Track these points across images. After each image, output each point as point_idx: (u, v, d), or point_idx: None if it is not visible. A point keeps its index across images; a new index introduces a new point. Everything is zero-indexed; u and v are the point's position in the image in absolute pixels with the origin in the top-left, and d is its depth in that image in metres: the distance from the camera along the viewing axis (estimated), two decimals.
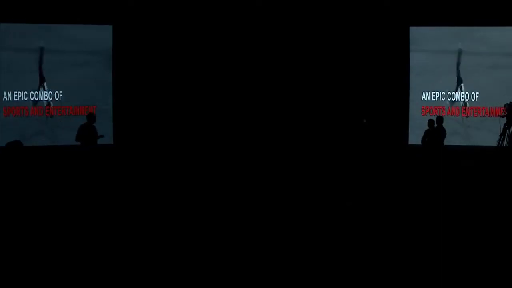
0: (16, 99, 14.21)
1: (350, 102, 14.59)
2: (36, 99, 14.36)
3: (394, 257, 6.87)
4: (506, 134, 13.32)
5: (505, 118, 13.45)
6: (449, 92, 15.02)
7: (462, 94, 14.97)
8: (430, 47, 15.08)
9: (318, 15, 14.74)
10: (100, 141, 12.70)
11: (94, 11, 14.33)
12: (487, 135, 14.37)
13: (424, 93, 15.09)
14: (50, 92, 14.43)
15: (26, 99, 14.28)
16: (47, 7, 14.10)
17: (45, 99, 14.39)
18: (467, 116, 14.95)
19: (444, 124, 13.37)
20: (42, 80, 14.41)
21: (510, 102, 13.54)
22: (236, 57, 14.66)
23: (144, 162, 13.17)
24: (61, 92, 14.42)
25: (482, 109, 14.82)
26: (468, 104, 14.97)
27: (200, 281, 6.23)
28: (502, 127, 13.46)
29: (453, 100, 15.04)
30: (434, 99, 15.08)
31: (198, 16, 14.62)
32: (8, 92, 14.21)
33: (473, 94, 14.93)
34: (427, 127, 13.35)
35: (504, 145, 13.33)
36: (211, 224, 8.23)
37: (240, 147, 13.95)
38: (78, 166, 11.75)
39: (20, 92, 14.24)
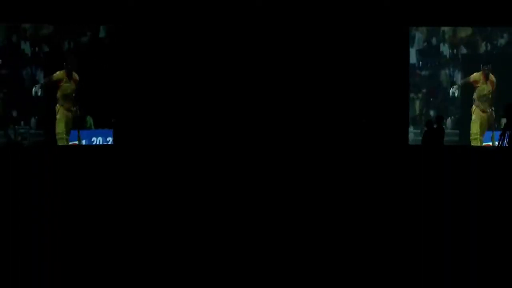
0: None
1: (349, 102, 14.58)
2: None
3: (394, 257, 6.87)
4: (506, 134, 13.32)
5: (505, 118, 13.46)
6: None
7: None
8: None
9: (318, 15, 14.73)
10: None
11: (94, 10, 14.33)
12: (486, 134, 14.41)
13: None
14: None
15: None
16: (46, 7, 14.09)
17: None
18: None
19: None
20: None
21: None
22: (236, 57, 14.65)
23: (144, 162, 13.16)
24: None
25: None
26: None
27: (200, 281, 6.24)
28: (502, 127, 13.46)
29: None
30: None
31: (198, 16, 14.61)
32: None
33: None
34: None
35: (504, 145, 13.33)
36: (211, 224, 8.23)
37: (240, 147, 13.95)
38: (77, 166, 11.73)
39: None
